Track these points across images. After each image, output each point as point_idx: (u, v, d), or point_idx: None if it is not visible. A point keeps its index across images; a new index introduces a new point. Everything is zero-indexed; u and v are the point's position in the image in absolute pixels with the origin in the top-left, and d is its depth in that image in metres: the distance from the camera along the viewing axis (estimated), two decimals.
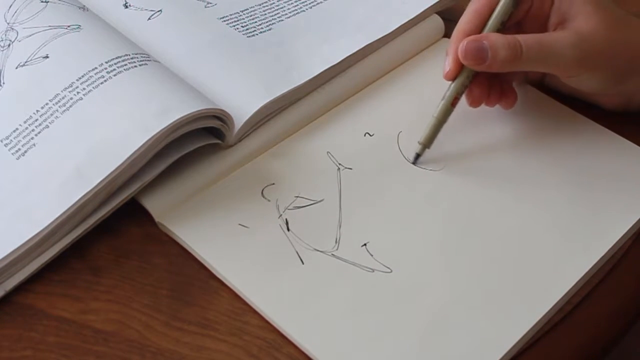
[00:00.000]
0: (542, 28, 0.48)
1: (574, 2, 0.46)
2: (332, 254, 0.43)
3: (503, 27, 0.47)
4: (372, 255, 0.43)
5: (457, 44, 0.46)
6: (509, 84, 0.50)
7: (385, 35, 0.54)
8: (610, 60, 0.46)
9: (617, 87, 0.49)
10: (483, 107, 0.50)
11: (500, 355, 0.39)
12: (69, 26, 0.50)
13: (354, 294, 0.41)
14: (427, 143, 0.48)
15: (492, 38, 0.46)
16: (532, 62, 0.46)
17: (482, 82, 0.48)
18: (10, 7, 0.52)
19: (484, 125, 0.50)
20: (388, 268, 0.43)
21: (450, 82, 0.48)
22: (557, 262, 0.43)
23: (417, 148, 0.48)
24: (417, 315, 0.41)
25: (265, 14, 0.56)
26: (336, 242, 0.44)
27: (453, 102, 0.48)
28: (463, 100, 0.49)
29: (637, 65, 0.48)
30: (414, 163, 0.48)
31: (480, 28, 0.47)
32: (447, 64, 0.47)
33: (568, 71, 0.47)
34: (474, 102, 0.49)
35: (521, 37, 0.45)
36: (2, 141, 0.46)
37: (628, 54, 0.47)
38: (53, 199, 0.42)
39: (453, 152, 0.49)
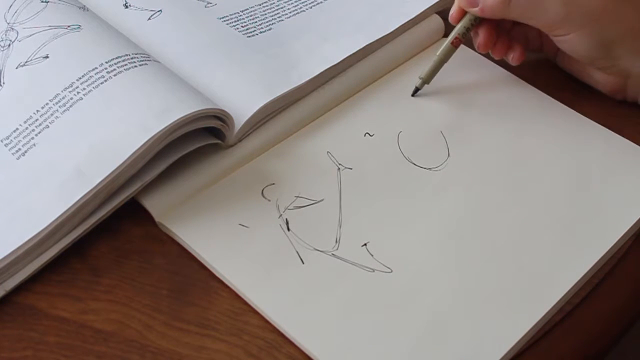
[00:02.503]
0: None
1: None
2: (332, 254, 0.43)
3: None
4: (372, 255, 0.43)
5: None
6: (517, 41, 0.52)
7: (385, 35, 0.54)
8: (597, 23, 0.48)
9: (607, 57, 0.49)
10: (484, 105, 0.50)
11: (500, 355, 0.39)
12: (69, 26, 0.50)
13: (354, 294, 0.41)
14: (427, 79, 0.52)
15: None
16: (519, 12, 0.49)
17: (488, 30, 0.51)
18: (10, 7, 0.52)
19: (482, 125, 0.50)
20: (388, 268, 0.43)
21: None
22: (557, 262, 0.43)
23: (417, 82, 0.52)
24: (417, 315, 0.41)
25: (265, 14, 0.56)
26: (336, 242, 0.44)
27: (453, 42, 0.51)
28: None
29: (627, 36, 0.48)
30: (412, 95, 0.52)
31: None
32: (452, 8, 0.52)
33: (554, 28, 0.49)
34: (480, 47, 0.52)
35: None
36: (2, 141, 0.46)
37: (618, 21, 0.48)
38: (53, 199, 0.42)
39: (453, 152, 0.49)
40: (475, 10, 0.50)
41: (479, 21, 0.51)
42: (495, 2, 0.49)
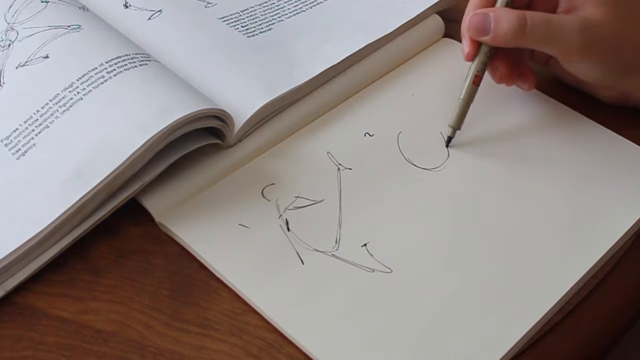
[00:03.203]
0: (551, 13, 0.48)
1: None
2: (332, 254, 0.43)
3: (513, 4, 0.48)
4: (372, 255, 0.43)
5: None
6: (526, 65, 0.50)
7: (386, 35, 0.54)
8: (614, 52, 0.46)
9: (617, 82, 0.48)
10: (484, 105, 0.50)
11: (500, 355, 0.39)
12: (69, 26, 0.50)
13: (354, 294, 0.41)
14: (457, 125, 0.49)
15: (497, 10, 0.47)
16: (535, 40, 0.46)
17: (504, 59, 0.49)
18: (10, 7, 0.52)
19: (481, 125, 0.50)
20: (388, 268, 0.43)
21: (470, 63, 0.49)
22: (557, 262, 0.43)
23: (448, 131, 0.49)
24: (417, 316, 0.41)
25: (265, 14, 0.56)
26: (336, 242, 0.44)
27: (475, 81, 0.48)
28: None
29: (637, 61, 0.47)
30: (446, 146, 0.49)
31: (491, 4, 0.48)
32: (465, 45, 0.48)
33: (570, 55, 0.47)
34: (501, 79, 0.49)
35: (529, 13, 0.46)
36: (2, 141, 0.46)
37: (634, 49, 0.47)
38: (53, 199, 0.42)
39: (452, 153, 0.49)
40: (486, 39, 0.47)
41: (493, 51, 0.48)
42: (509, 30, 0.45)
